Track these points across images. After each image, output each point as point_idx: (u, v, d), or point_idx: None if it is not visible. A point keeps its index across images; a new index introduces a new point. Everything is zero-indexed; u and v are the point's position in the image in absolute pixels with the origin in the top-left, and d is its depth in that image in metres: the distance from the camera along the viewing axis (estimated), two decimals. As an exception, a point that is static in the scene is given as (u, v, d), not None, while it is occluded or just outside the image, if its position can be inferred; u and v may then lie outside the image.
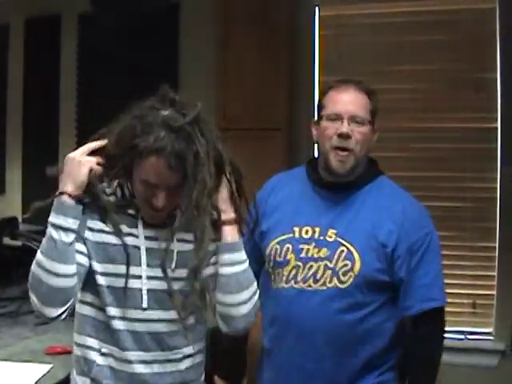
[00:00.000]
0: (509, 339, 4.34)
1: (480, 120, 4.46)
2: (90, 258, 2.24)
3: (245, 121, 4.65)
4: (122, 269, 2.23)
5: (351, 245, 2.52)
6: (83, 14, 5.11)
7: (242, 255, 2.33)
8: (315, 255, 2.56)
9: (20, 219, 4.36)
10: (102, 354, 2.27)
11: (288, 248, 2.62)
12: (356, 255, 2.51)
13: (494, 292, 4.37)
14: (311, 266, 2.56)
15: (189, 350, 2.35)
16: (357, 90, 2.60)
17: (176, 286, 2.27)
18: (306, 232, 2.61)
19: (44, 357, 3.04)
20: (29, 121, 5.34)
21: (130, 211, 2.30)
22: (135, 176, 2.22)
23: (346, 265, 2.51)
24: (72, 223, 2.17)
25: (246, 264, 2.32)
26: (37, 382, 2.76)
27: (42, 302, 2.17)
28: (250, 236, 2.62)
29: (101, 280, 2.25)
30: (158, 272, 2.26)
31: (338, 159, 2.56)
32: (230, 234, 2.31)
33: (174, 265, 2.27)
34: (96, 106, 4.85)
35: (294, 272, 2.59)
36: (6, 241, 4.21)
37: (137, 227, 2.28)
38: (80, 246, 2.22)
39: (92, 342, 2.29)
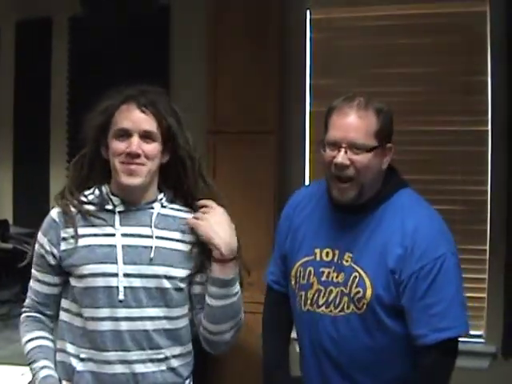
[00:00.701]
0: (499, 342, 4.35)
1: (470, 123, 4.47)
2: (64, 266, 2.30)
3: (235, 124, 4.66)
4: (98, 269, 2.25)
5: (363, 271, 2.42)
6: (74, 16, 5.10)
7: (232, 289, 2.35)
8: (334, 279, 2.49)
9: (11, 222, 4.35)
10: (81, 360, 2.26)
11: (310, 271, 2.55)
12: (367, 282, 2.40)
13: (485, 295, 4.39)
14: (331, 291, 2.49)
15: (173, 350, 2.33)
16: (359, 112, 2.39)
17: (153, 283, 2.28)
18: (327, 254, 2.52)
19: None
20: (19, 124, 5.32)
21: (108, 207, 2.32)
22: (110, 139, 2.29)
23: (358, 292, 2.41)
24: None
25: (236, 297, 2.35)
26: (27, 385, 2.75)
27: None
28: (278, 250, 2.77)
29: (77, 283, 2.26)
30: (136, 269, 2.26)
31: (337, 189, 2.43)
32: (222, 269, 2.33)
33: (151, 261, 2.29)
34: (87, 109, 4.84)
35: (316, 296, 2.52)
36: (-3, 243, 4.20)
37: (113, 225, 2.29)
38: (47, 276, 2.35)
39: (70, 347, 2.28)
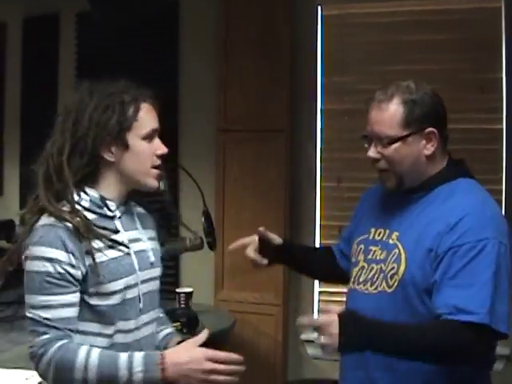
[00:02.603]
0: (514, 344, 4.30)
1: (485, 121, 4.42)
2: (91, 284, 2.10)
3: (246, 122, 4.64)
4: (126, 282, 2.15)
5: (403, 248, 2.38)
6: (81, 13, 5.07)
7: None
8: (378, 257, 2.48)
9: (17, 222, 4.29)
10: None
11: (361, 249, 2.58)
12: (403, 259, 2.36)
13: (500, 296, 4.32)
14: (372, 268, 2.48)
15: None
16: (382, 104, 2.38)
17: (154, 285, 2.30)
18: (379, 234, 2.52)
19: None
20: (26, 122, 5.30)
21: (108, 213, 2.19)
22: (134, 141, 2.15)
23: (393, 267, 2.38)
24: None
25: None
26: (32, 389, 2.71)
27: None
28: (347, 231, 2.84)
29: (104, 300, 2.12)
30: (145, 274, 2.24)
31: (379, 179, 2.48)
32: None
33: (152, 265, 2.28)
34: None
35: (359, 273, 2.54)
36: (2, 244, 4.15)
37: (119, 232, 2.19)
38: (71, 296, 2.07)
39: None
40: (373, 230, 2.55)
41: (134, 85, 2.23)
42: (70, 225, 2.05)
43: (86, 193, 2.14)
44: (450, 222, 2.30)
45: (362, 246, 2.57)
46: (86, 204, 2.13)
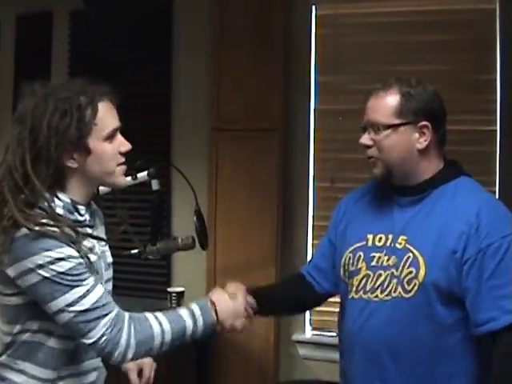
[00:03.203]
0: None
1: (479, 122, 4.40)
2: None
3: (239, 121, 4.63)
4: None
5: (418, 251, 2.36)
6: (75, 11, 5.05)
7: None
8: (384, 263, 2.44)
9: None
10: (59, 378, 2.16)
11: (360, 256, 2.52)
12: (421, 261, 2.34)
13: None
14: (380, 275, 2.44)
15: None
16: (380, 93, 2.46)
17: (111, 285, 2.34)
18: (380, 240, 2.49)
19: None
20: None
21: (79, 218, 2.15)
22: (95, 144, 2.09)
23: (410, 272, 2.35)
24: None
25: None
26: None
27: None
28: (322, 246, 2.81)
29: None
30: (107, 275, 2.27)
31: (370, 166, 2.50)
32: None
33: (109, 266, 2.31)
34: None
35: (363, 282, 2.47)
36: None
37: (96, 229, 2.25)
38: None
39: (48, 373, 2.14)
40: (370, 237, 2.52)
41: (90, 82, 2.16)
42: (55, 230, 2.01)
43: (58, 198, 2.09)
44: (471, 221, 2.31)
45: (362, 254, 2.51)
46: (61, 211, 2.08)
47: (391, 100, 2.42)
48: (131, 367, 2.37)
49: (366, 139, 2.46)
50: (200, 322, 2.17)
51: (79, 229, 2.09)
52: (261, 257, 4.53)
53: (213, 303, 2.25)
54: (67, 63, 5.13)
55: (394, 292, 2.37)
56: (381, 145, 2.42)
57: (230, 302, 2.31)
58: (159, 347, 2.11)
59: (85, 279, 2.03)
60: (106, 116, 2.12)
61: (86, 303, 2.01)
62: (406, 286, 2.35)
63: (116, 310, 2.08)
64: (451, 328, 2.34)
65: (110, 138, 2.12)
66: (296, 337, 4.47)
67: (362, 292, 2.47)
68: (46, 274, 1.98)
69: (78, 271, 2.02)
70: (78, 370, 2.17)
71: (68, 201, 2.11)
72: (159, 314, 2.13)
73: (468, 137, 4.37)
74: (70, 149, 2.06)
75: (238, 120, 4.63)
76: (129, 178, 2.42)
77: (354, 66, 4.57)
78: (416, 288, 2.33)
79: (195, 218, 3.40)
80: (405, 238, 2.40)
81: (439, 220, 2.37)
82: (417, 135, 2.42)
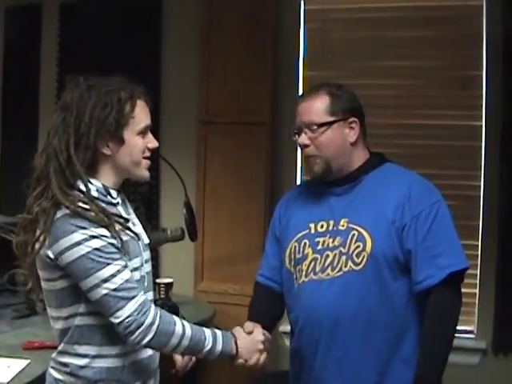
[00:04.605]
0: (490, 338, 4.34)
1: (464, 118, 4.44)
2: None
3: (228, 114, 4.66)
4: (138, 262, 2.33)
5: (362, 228, 2.56)
6: (64, 3, 5.05)
7: None
8: (330, 245, 2.61)
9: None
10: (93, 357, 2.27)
11: (305, 243, 2.68)
12: (366, 235, 2.54)
13: (476, 291, 4.37)
14: (328, 256, 2.60)
15: None
16: (311, 95, 2.68)
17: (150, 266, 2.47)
18: (322, 226, 2.67)
19: (21, 352, 3.01)
20: (7, 111, 5.27)
21: (113, 201, 2.33)
22: (129, 136, 2.28)
23: (358, 246, 2.54)
24: None
25: None
26: (14, 377, 2.72)
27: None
28: (269, 245, 2.91)
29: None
30: (146, 255, 2.40)
31: (308, 165, 2.72)
32: None
33: (146, 246, 2.44)
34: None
35: (312, 265, 2.63)
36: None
37: (128, 214, 2.38)
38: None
39: (107, 350, 2.28)
40: (312, 225, 2.70)
41: (128, 81, 2.35)
42: (91, 213, 2.17)
43: (91, 183, 2.26)
44: (403, 192, 2.57)
45: (307, 241, 2.68)
46: (95, 194, 2.25)
47: (322, 101, 2.64)
48: None
49: (304, 139, 2.66)
50: (219, 347, 2.32)
51: (113, 209, 2.28)
52: (248, 248, 4.57)
53: (234, 337, 2.40)
54: (56, 55, 5.11)
55: (345, 267, 2.55)
56: (318, 142, 2.63)
57: (250, 339, 2.46)
58: (175, 347, 2.25)
59: (116, 259, 2.18)
60: (142, 113, 2.33)
61: (116, 282, 2.15)
62: (356, 259, 2.54)
63: (143, 295, 2.22)
64: (399, 295, 2.55)
65: (142, 133, 2.32)
66: (283, 328, 4.50)
67: (312, 274, 2.62)
68: (82, 252, 2.14)
69: (110, 250, 2.17)
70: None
71: (100, 185, 2.29)
72: (185, 321, 2.28)
73: (454, 132, 4.42)
74: (106, 137, 2.25)
75: (226, 113, 4.65)
76: None
77: (342, 60, 4.60)
78: (365, 260, 2.52)
79: (184, 210, 3.44)
80: (346, 219, 2.61)
81: (375, 199, 2.60)
82: (347, 130, 2.65)
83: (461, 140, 4.43)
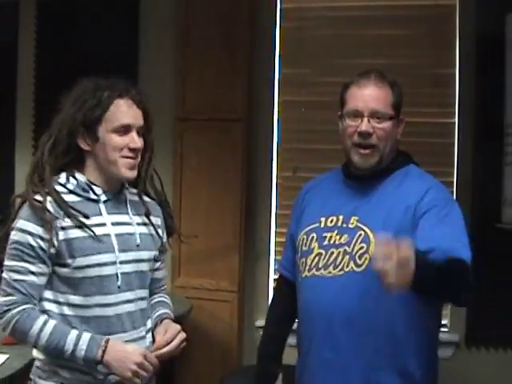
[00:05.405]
0: (463, 331, 4.40)
1: (438, 115, 4.51)
2: (62, 256, 2.31)
3: (204, 111, 4.67)
4: (100, 259, 2.34)
5: (369, 228, 2.49)
6: (42, 0, 5.03)
7: None
8: (337, 242, 2.55)
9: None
10: None
11: (313, 237, 2.62)
12: (372, 237, 2.46)
13: (449, 285, 4.41)
14: (332, 253, 2.54)
15: (146, 328, 2.48)
16: (378, 84, 2.55)
17: (140, 267, 2.44)
18: (331, 221, 2.60)
19: (0, 347, 3.02)
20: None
21: (92, 196, 2.39)
22: (103, 133, 2.34)
23: (362, 247, 2.47)
24: None
25: None
26: (-7, 371, 2.74)
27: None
28: (289, 235, 2.83)
29: (75, 273, 2.32)
30: (127, 256, 2.40)
31: (360, 155, 2.54)
32: None
33: (138, 247, 2.44)
34: (54, 95, 4.81)
35: (316, 260, 2.58)
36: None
37: (101, 214, 2.38)
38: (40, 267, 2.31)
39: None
40: (323, 219, 2.62)
41: (123, 82, 2.40)
42: (44, 203, 2.28)
43: (74, 177, 2.37)
44: (419, 195, 2.45)
45: (315, 235, 2.61)
46: (71, 187, 2.36)
47: (388, 92, 2.55)
48: (159, 330, 2.48)
49: (369, 127, 2.51)
50: (81, 352, 2.26)
51: (81, 205, 2.35)
52: (225, 244, 4.60)
53: (105, 345, 2.28)
54: (34, 52, 5.09)
55: (347, 267, 2.49)
56: (381, 134, 2.52)
57: (124, 355, 2.29)
58: (34, 345, 2.33)
59: (25, 261, 2.29)
60: (119, 111, 2.35)
61: (12, 276, 2.29)
62: (358, 260, 2.47)
63: (21, 297, 2.29)
64: (397, 300, 2.39)
65: (118, 131, 2.34)
66: (259, 323, 4.53)
67: (314, 269, 2.57)
68: (12, 236, 2.32)
69: (24, 249, 2.29)
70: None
71: (83, 180, 2.38)
72: (52, 323, 2.29)
73: (427, 129, 4.48)
74: (82, 133, 2.34)
75: (202, 110, 4.67)
76: None
77: (317, 58, 4.63)
78: (367, 262, 2.43)
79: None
80: (356, 218, 2.53)
81: (389, 200, 2.50)
82: (399, 127, 2.60)
83: (434, 137, 4.49)
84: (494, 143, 4.10)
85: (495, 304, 4.24)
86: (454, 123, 4.44)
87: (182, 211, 4.68)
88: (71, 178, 2.37)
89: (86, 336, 2.27)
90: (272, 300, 2.97)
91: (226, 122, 4.65)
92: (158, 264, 2.60)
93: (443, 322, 4.45)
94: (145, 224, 2.50)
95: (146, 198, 2.54)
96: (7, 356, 2.91)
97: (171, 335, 2.41)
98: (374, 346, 2.46)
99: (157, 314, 2.56)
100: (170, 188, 4.52)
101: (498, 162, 3.96)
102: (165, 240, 2.62)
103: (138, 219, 2.47)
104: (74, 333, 2.28)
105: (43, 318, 2.29)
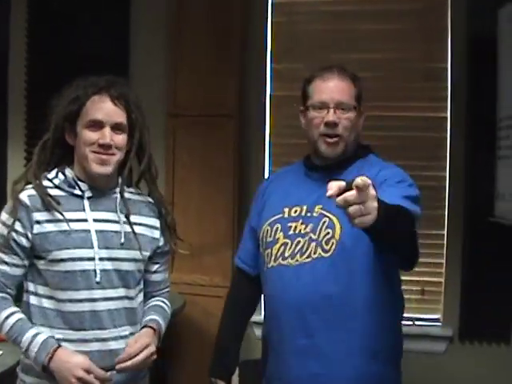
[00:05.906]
0: (456, 325, 4.40)
1: (430, 109, 4.50)
2: (37, 250, 2.36)
3: (195, 107, 4.65)
4: (75, 253, 2.35)
5: (333, 215, 2.52)
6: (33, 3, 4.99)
7: None
8: (302, 231, 2.60)
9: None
10: (56, 340, 2.34)
11: (277, 228, 2.67)
12: (336, 222, 2.52)
13: (442, 279, 4.44)
14: (298, 242, 2.59)
15: (132, 328, 2.48)
16: (341, 77, 2.65)
17: (122, 266, 2.44)
18: (295, 211, 2.65)
19: (-6, 344, 3.01)
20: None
21: (77, 192, 2.42)
22: (80, 129, 2.39)
23: (327, 233, 2.53)
24: None
25: None
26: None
27: None
28: (248, 227, 2.92)
29: (51, 266, 2.35)
30: (108, 253, 2.40)
31: (327, 144, 2.63)
32: None
33: (122, 245, 2.44)
34: (45, 97, 4.81)
35: (281, 249, 2.62)
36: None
37: (84, 210, 2.40)
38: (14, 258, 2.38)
39: (42, 329, 2.36)
40: (286, 210, 2.68)
41: (109, 80, 2.44)
42: (29, 193, 2.37)
43: (63, 173, 2.44)
44: (373, 173, 2.50)
45: (279, 225, 2.67)
46: (57, 182, 2.42)
47: (350, 84, 2.66)
48: (129, 341, 2.44)
49: (335, 117, 2.60)
50: (32, 353, 2.31)
51: (65, 200, 2.39)
52: (217, 241, 4.60)
53: (53, 353, 2.30)
54: (25, 48, 5.05)
55: (314, 254, 2.53)
56: (346, 123, 2.61)
57: (67, 367, 2.29)
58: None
59: (1, 251, 2.38)
60: (93, 107, 2.38)
61: None
62: (325, 245, 2.51)
63: None
64: (366, 283, 2.51)
65: (90, 126, 2.36)
66: (253, 318, 4.54)
67: (280, 259, 2.61)
68: None
69: (3, 241, 2.36)
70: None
71: (71, 176, 2.44)
72: (16, 316, 2.37)
73: (419, 123, 4.49)
74: (67, 127, 2.41)
75: (194, 106, 4.66)
76: None
77: (309, 53, 4.62)
78: (334, 246, 2.50)
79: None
80: (320, 206, 2.58)
81: None
82: (361, 118, 2.70)
83: (426, 131, 4.49)
84: (487, 137, 4.10)
85: (488, 298, 4.25)
86: (446, 117, 4.44)
87: (175, 207, 4.66)
88: (60, 174, 2.43)
89: (40, 338, 2.31)
90: (228, 294, 3.00)
91: (218, 117, 4.63)
92: (156, 266, 2.60)
93: (436, 316, 4.47)
94: (137, 224, 2.50)
95: (139, 197, 2.57)
96: (0, 352, 2.92)
97: (137, 349, 2.39)
98: (346, 328, 2.50)
99: (145, 319, 2.55)
100: (161, 185, 4.50)
101: (491, 156, 3.96)
102: (162, 243, 2.62)
103: (132, 218, 2.48)
104: (31, 332, 2.32)
105: (11, 309, 2.37)
